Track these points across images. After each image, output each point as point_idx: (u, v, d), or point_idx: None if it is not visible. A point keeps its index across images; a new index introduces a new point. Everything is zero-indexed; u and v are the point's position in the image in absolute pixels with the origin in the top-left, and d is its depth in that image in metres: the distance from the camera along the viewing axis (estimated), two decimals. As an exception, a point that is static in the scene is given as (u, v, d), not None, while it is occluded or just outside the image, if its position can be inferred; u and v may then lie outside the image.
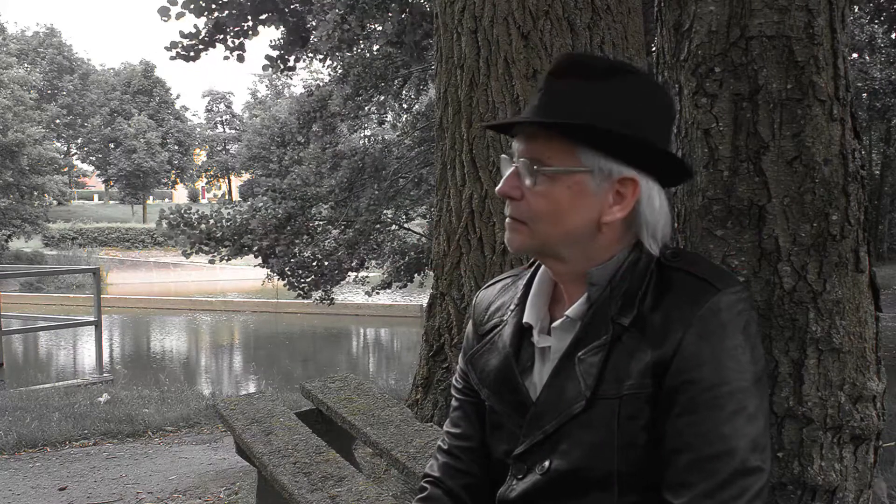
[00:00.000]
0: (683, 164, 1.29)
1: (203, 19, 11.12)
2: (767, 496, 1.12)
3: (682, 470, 1.09)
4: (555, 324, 1.24)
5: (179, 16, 10.96)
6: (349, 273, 15.08)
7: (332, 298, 15.73)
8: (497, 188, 1.22)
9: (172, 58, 11.31)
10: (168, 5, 10.82)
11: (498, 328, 1.33)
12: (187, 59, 11.29)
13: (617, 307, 1.17)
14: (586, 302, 1.20)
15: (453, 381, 1.44)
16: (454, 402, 1.42)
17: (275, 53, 12.24)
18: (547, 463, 1.19)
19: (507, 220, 1.23)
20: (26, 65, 53.63)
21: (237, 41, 11.36)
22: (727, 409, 1.08)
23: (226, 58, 11.51)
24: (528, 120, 1.19)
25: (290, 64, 12.46)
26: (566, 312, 1.22)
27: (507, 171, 1.22)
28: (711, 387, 1.09)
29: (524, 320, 1.28)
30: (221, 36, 11.22)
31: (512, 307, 1.32)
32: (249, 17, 11.22)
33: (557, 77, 1.19)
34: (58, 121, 56.17)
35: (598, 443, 1.14)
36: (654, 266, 1.20)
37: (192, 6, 10.89)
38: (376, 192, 14.05)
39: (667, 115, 1.27)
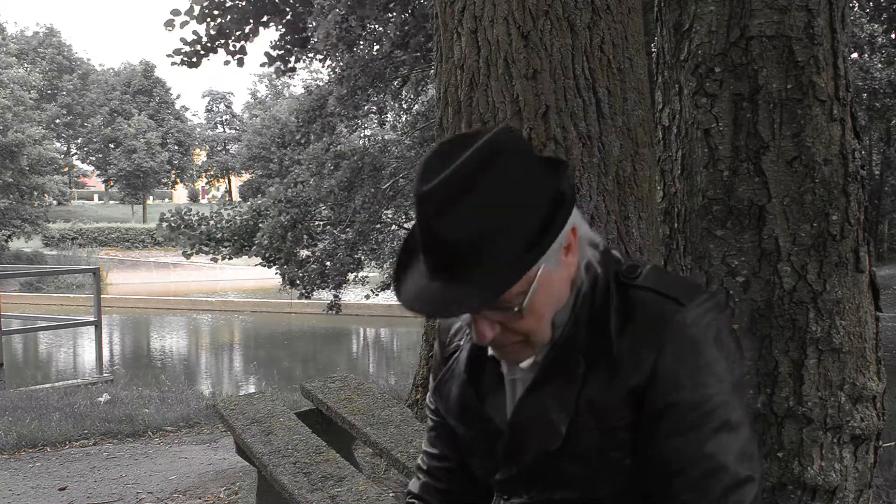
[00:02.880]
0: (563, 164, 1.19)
1: (204, 25, 11.16)
2: (762, 499, 1.12)
3: (675, 493, 1.09)
4: (523, 365, 1.18)
5: (184, 24, 11.01)
6: (349, 274, 15.11)
7: (340, 307, 15.76)
8: (477, 340, 1.13)
9: (175, 64, 11.37)
10: (172, 17, 10.89)
11: (457, 354, 1.29)
12: (189, 65, 11.35)
13: (583, 338, 1.14)
14: (552, 340, 1.16)
15: (427, 402, 1.40)
16: (429, 423, 1.39)
17: (275, 53, 12.27)
18: (532, 492, 1.19)
19: (498, 351, 1.16)
20: (26, 65, 53.62)
21: (238, 45, 11.39)
22: (710, 426, 1.08)
23: (226, 62, 11.54)
24: (481, 305, 1.07)
25: (291, 65, 12.48)
26: (535, 357, 1.17)
27: (466, 319, 1.13)
28: (693, 407, 1.08)
29: (490, 352, 1.23)
30: (223, 41, 11.25)
31: (468, 330, 1.25)
32: (251, 21, 11.25)
33: (438, 215, 1.04)
34: (58, 121, 56.17)
35: (580, 474, 1.14)
36: (614, 286, 1.15)
37: (195, 15, 10.93)
38: (374, 192, 14.08)
39: (529, 150, 1.14)
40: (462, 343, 1.29)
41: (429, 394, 1.39)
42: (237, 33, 11.25)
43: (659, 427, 1.09)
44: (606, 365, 1.12)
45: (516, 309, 1.09)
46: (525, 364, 1.18)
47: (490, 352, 1.22)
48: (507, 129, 1.10)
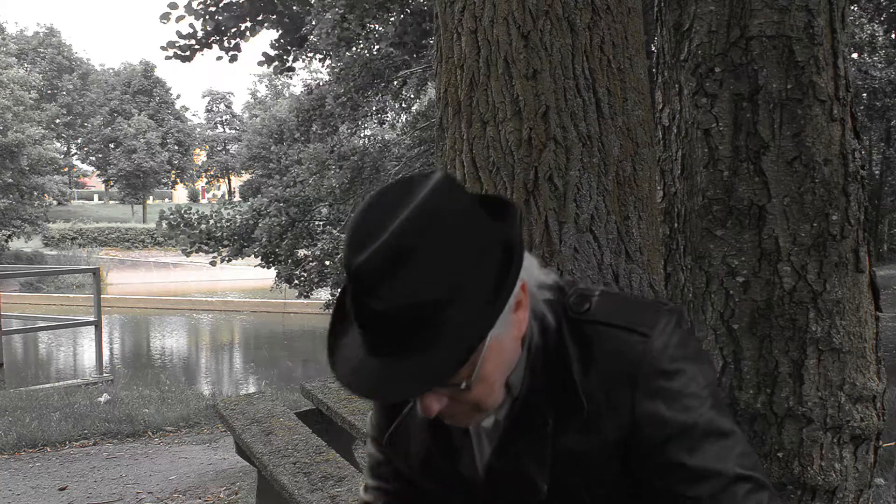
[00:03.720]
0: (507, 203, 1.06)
1: (201, 20, 11.15)
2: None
3: None
4: (484, 424, 1.09)
5: (179, 19, 10.99)
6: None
7: None
8: (423, 413, 1.00)
9: (168, 57, 11.34)
10: (169, 10, 10.88)
11: (409, 406, 1.15)
12: (183, 59, 11.31)
13: (543, 391, 1.05)
14: (510, 397, 1.06)
15: (370, 433, 1.27)
16: (377, 454, 1.27)
17: (273, 53, 12.28)
18: None
19: (447, 419, 1.05)
20: (26, 65, 53.63)
21: (233, 42, 11.38)
22: (707, 444, 1.02)
23: (219, 58, 11.52)
24: (424, 391, 0.96)
25: (290, 65, 12.49)
26: (496, 417, 1.08)
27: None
28: (683, 436, 1.02)
29: None
30: (217, 37, 11.24)
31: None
32: (248, 19, 11.25)
33: (373, 290, 0.91)
34: (58, 121, 56.16)
35: None
36: (567, 326, 1.05)
37: (194, 9, 10.92)
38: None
39: (469, 201, 1.00)
40: None
41: (371, 424, 1.26)
42: (233, 30, 11.25)
43: (657, 463, 1.03)
44: (577, 413, 1.04)
45: (464, 385, 0.97)
46: (486, 423, 1.09)
47: None
48: (443, 182, 0.96)
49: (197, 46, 11.25)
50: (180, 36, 11.23)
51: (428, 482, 1.18)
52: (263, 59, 12.35)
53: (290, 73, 12.79)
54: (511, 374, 1.04)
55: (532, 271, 1.05)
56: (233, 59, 11.56)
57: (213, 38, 11.24)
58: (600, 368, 1.03)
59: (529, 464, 1.06)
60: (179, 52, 11.25)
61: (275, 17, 11.54)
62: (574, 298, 1.07)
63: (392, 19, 10.98)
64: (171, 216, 15.90)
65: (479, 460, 1.12)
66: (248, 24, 11.34)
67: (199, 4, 10.99)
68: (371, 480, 1.29)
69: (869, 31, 18.64)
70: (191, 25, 11.17)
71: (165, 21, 10.91)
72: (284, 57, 12.33)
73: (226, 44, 11.37)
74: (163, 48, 11.29)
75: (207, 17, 11.02)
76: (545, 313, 1.06)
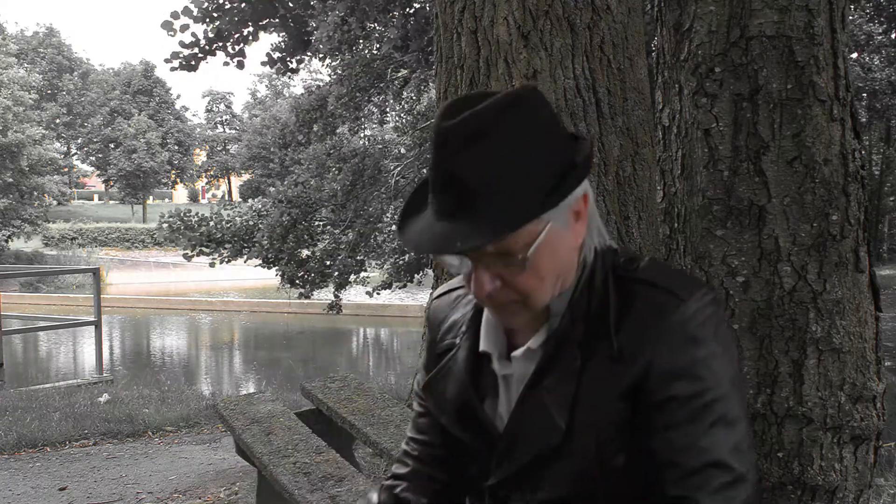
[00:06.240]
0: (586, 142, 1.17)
1: (202, 27, 11.10)
2: (762, 499, 1.11)
3: (668, 485, 1.08)
4: (515, 353, 1.17)
5: (184, 28, 10.94)
6: (352, 275, 15.10)
7: (340, 307, 15.74)
8: (475, 293, 1.11)
9: (173, 69, 11.28)
10: (171, 20, 10.83)
11: (452, 352, 1.27)
12: (188, 69, 11.27)
13: (580, 332, 1.12)
14: (548, 330, 1.15)
15: (415, 390, 1.39)
16: (418, 408, 1.37)
17: (276, 55, 12.26)
18: (526, 495, 1.17)
19: (496, 309, 1.15)
20: (26, 65, 53.62)
21: (237, 48, 11.34)
22: (707, 420, 1.07)
23: (225, 64, 11.49)
24: (485, 241, 1.05)
25: (293, 66, 12.48)
26: (528, 344, 1.16)
27: (466, 269, 1.11)
28: (690, 401, 1.07)
29: (481, 348, 1.21)
30: (221, 43, 11.20)
31: (464, 328, 1.26)
32: (250, 23, 11.21)
33: (455, 151, 1.05)
34: (58, 121, 56.18)
35: (577, 472, 1.13)
36: (612, 278, 1.14)
37: (194, 15, 10.87)
38: (382, 195, 14.08)
39: (552, 112, 1.13)
40: (458, 342, 1.26)
41: (417, 382, 1.37)
42: (236, 36, 11.21)
43: (655, 420, 1.08)
44: (604, 360, 1.10)
45: (520, 257, 1.06)
46: (518, 353, 1.16)
47: (484, 340, 1.20)
48: (533, 87, 1.11)
49: (201, 55, 11.21)
50: (183, 45, 11.19)
51: (458, 429, 1.25)
52: (266, 60, 12.35)
53: (294, 74, 12.80)
54: (555, 300, 1.13)
55: (594, 208, 1.16)
56: (240, 65, 11.53)
57: (215, 45, 11.20)
58: (634, 321, 1.11)
59: (552, 401, 1.13)
60: (184, 63, 11.21)
61: (277, 20, 11.50)
62: (624, 259, 1.17)
63: (394, 18, 10.96)
64: (171, 219, 15.87)
65: (506, 407, 1.19)
66: (251, 28, 11.30)
67: (197, 10, 10.94)
68: (412, 432, 1.39)
69: (867, 32, 18.63)
70: (193, 34, 11.12)
71: (172, 34, 10.86)
72: (288, 59, 12.33)
73: (230, 50, 11.33)
74: (167, 60, 11.24)
75: (208, 20, 10.98)
76: (598, 263, 1.15)
